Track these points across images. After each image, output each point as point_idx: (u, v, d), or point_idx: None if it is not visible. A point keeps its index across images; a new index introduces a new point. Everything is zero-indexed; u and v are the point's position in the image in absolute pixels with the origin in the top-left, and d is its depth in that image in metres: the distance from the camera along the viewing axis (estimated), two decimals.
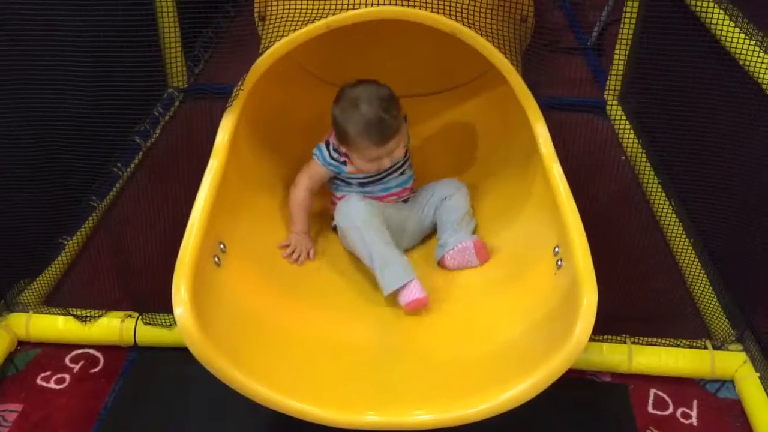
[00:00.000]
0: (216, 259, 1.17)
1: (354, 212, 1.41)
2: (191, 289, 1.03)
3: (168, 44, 2.25)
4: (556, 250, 1.21)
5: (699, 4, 1.60)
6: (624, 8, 2.15)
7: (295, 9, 1.29)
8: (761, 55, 1.35)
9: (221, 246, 1.20)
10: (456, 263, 1.45)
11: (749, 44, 1.39)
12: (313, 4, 1.28)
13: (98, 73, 1.76)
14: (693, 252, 1.64)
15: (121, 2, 1.84)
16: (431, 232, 1.58)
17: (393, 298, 1.35)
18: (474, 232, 1.51)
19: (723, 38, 1.49)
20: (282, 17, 1.28)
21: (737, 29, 1.45)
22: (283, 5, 1.31)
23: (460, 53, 1.45)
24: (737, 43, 1.42)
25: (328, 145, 1.50)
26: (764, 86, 1.33)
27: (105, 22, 1.78)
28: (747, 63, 1.39)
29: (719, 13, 1.53)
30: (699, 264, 1.61)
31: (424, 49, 1.66)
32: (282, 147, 1.63)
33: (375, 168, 1.46)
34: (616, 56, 2.26)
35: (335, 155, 1.49)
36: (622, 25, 2.18)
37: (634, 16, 2.13)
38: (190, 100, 2.37)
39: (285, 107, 1.67)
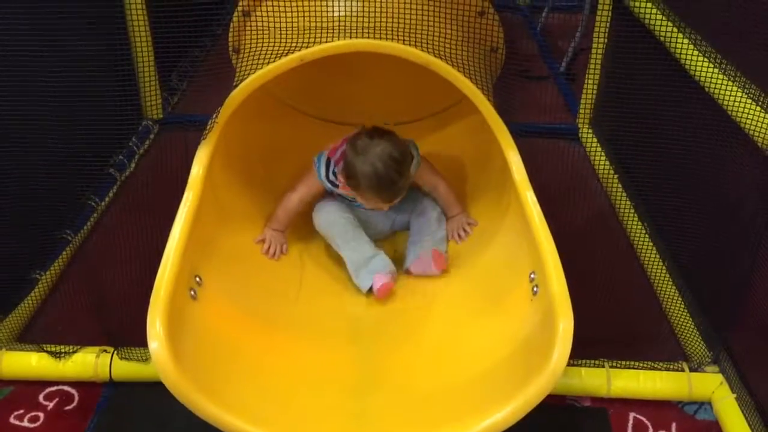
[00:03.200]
0: (192, 292, 1.17)
1: (324, 222, 1.54)
2: (166, 323, 1.02)
3: (143, 76, 2.26)
4: (532, 276, 1.22)
5: (663, 31, 1.65)
6: (593, 36, 2.20)
7: (269, 42, 1.30)
8: (724, 80, 1.39)
9: (197, 279, 1.20)
10: (418, 270, 1.54)
11: (712, 70, 1.43)
12: (287, 37, 1.30)
13: (73, 105, 1.75)
14: (667, 275, 1.66)
15: (96, 33, 1.84)
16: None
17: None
18: (443, 241, 1.58)
19: (687, 64, 1.53)
20: (256, 50, 1.30)
21: (700, 56, 1.49)
22: (257, 38, 1.32)
23: (435, 82, 1.48)
24: (701, 68, 1.46)
25: (329, 164, 1.54)
26: (728, 110, 1.37)
27: (80, 53, 1.78)
28: (710, 88, 1.42)
29: (683, 40, 1.57)
30: (674, 287, 1.63)
31: (399, 78, 1.68)
32: (260, 179, 1.64)
33: (372, 207, 1.52)
34: (586, 83, 2.30)
35: (332, 178, 1.54)
36: (591, 53, 2.22)
37: (603, 43, 2.18)
38: (166, 131, 2.37)
39: (263, 139, 1.69)
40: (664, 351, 1.50)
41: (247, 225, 1.54)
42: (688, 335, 1.52)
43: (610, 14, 2.13)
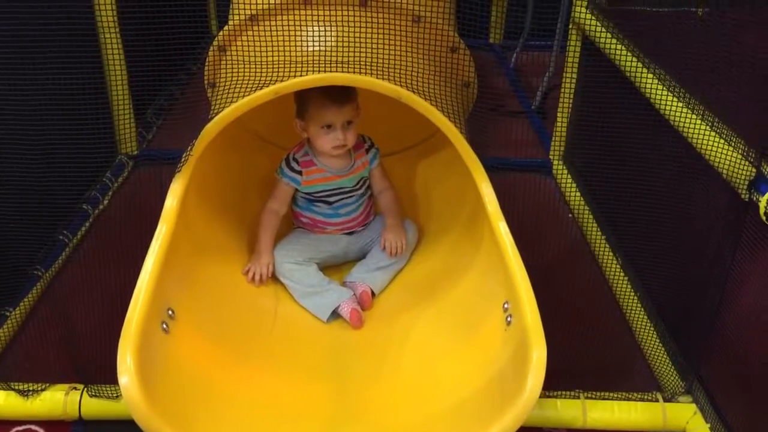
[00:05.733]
0: (164, 326, 1.15)
1: (281, 267, 1.57)
2: (137, 358, 1.01)
3: (118, 111, 2.27)
4: (506, 306, 1.23)
5: (630, 67, 1.70)
6: (564, 73, 2.26)
7: (244, 75, 1.32)
8: (689, 115, 1.43)
9: (169, 312, 1.18)
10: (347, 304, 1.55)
11: (678, 105, 1.47)
12: (262, 71, 1.32)
13: (47, 139, 1.75)
14: (640, 305, 1.68)
15: (71, 67, 1.85)
16: None
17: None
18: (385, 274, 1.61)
19: (653, 99, 1.57)
20: (231, 83, 1.31)
21: (666, 90, 1.54)
22: (233, 72, 1.34)
23: (409, 116, 1.51)
24: (667, 103, 1.51)
25: (288, 158, 1.60)
26: (694, 144, 1.40)
27: (55, 87, 1.78)
28: (677, 122, 1.46)
29: (648, 76, 1.62)
30: (646, 317, 1.64)
31: (374, 113, 1.70)
32: (236, 211, 1.64)
33: (329, 144, 1.52)
34: (558, 118, 2.35)
35: (293, 164, 1.59)
36: (562, 90, 2.28)
37: (574, 80, 2.23)
38: (140, 166, 2.36)
39: (239, 172, 1.69)
40: (638, 382, 1.51)
41: (222, 257, 1.53)
42: (661, 365, 1.53)
43: (579, 52, 2.20)
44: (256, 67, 1.33)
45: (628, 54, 1.76)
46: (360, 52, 1.29)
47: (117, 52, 2.19)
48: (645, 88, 1.63)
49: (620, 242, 1.88)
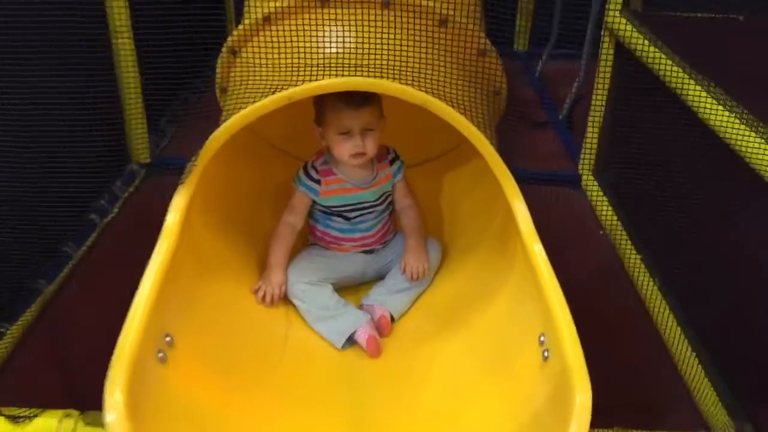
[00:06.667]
0: (160, 355, 1.04)
1: (294, 287, 1.45)
2: (128, 392, 0.90)
3: (131, 117, 2.19)
4: (542, 338, 1.10)
5: (670, 74, 1.58)
6: (595, 82, 2.15)
7: (256, 80, 1.21)
8: (737, 124, 1.31)
9: (167, 339, 1.07)
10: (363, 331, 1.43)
11: (724, 114, 1.35)
12: (273, 75, 1.21)
13: (53, 146, 1.67)
14: (682, 335, 1.55)
15: (84, 73, 1.78)
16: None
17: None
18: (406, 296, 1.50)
19: (697, 108, 1.45)
20: (242, 88, 1.21)
21: (711, 99, 1.42)
22: (245, 76, 1.24)
23: (432, 125, 1.40)
24: (712, 113, 1.39)
25: (306, 166, 1.50)
26: (744, 156, 1.28)
27: (67, 92, 1.71)
28: (723, 132, 1.34)
29: (691, 83, 1.50)
30: (689, 348, 1.51)
31: (394, 120, 1.59)
32: (246, 228, 1.53)
33: (347, 152, 1.42)
34: (589, 129, 2.24)
35: (312, 172, 1.49)
36: (593, 99, 2.16)
37: (606, 89, 2.12)
38: (152, 175, 2.27)
39: (249, 185, 1.59)
40: (682, 419, 1.38)
41: (230, 276, 1.42)
42: (707, 403, 1.39)
43: (611, 60, 2.09)
44: (268, 71, 1.22)
45: (669, 61, 1.64)
46: (382, 55, 1.18)
47: (130, 56, 2.12)
48: (689, 96, 1.51)
49: (658, 263, 1.75)
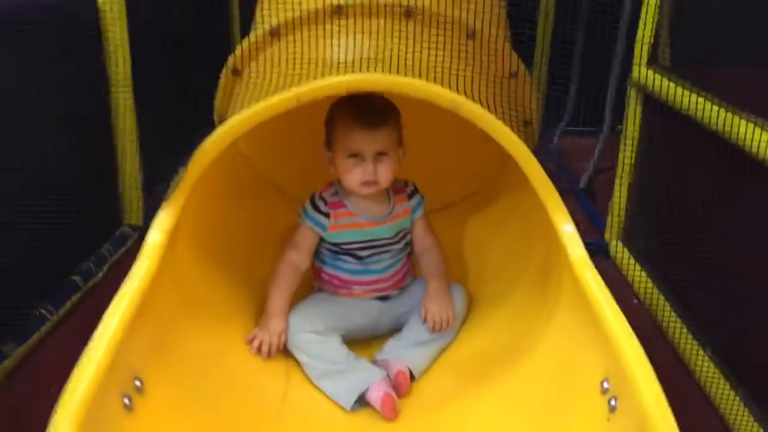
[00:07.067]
0: (126, 401, 0.83)
1: (295, 337, 1.26)
2: None
3: (125, 178, 2.07)
4: (605, 385, 0.89)
5: (712, 117, 1.46)
6: (622, 142, 2.03)
7: (258, 88, 1.07)
8: None
9: (137, 383, 0.87)
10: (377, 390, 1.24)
11: None
12: (280, 81, 1.07)
13: (38, 202, 1.54)
14: (742, 405, 1.33)
15: (79, 131, 1.68)
16: None
17: None
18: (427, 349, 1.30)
19: (745, 146, 1.31)
20: (241, 100, 1.07)
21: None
22: (248, 93, 1.10)
23: (451, 168, 1.25)
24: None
25: (313, 197, 1.35)
26: None
27: (60, 146, 1.60)
28: None
29: (741, 122, 1.37)
30: (753, 420, 1.29)
31: (410, 163, 1.44)
32: (243, 271, 1.36)
33: (356, 179, 1.27)
34: (616, 194, 2.10)
35: (320, 204, 1.34)
36: (620, 159, 2.04)
37: (634, 148, 2.00)
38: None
39: (249, 226, 1.43)
40: None
41: (220, 323, 1.22)
42: None
43: (639, 118, 1.98)
44: (276, 81, 1.08)
45: (709, 102, 1.52)
46: (405, 64, 1.05)
47: (129, 113, 2.02)
48: (737, 137, 1.37)
49: (706, 332, 1.55)
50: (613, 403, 0.86)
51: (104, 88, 2.00)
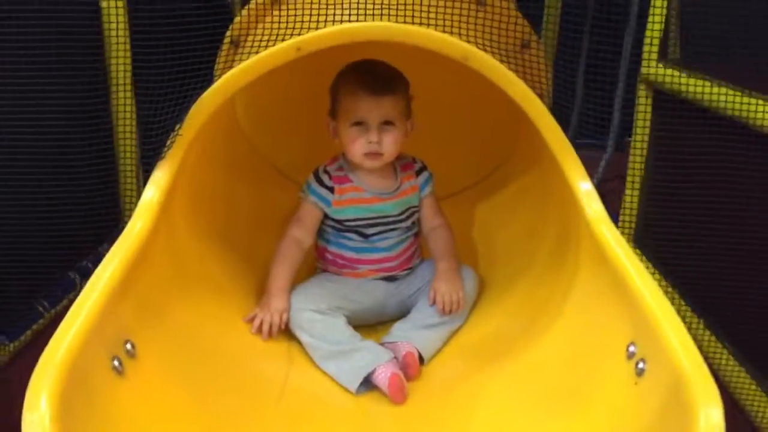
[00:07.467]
0: (116, 363, 0.77)
1: (298, 316, 1.19)
2: (59, 401, 0.63)
3: (125, 177, 2.03)
4: (631, 349, 0.81)
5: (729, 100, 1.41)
6: (632, 142, 1.99)
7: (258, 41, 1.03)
8: None
9: (127, 346, 0.80)
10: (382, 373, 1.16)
11: None
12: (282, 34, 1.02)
13: (37, 200, 1.51)
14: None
15: (77, 133, 1.65)
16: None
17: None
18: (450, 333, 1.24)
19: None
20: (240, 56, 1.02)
21: None
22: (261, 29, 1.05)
23: (460, 153, 1.20)
24: None
25: (318, 168, 1.30)
26: None
27: (53, 142, 1.57)
28: None
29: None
30: None
31: (418, 150, 1.39)
32: (245, 253, 1.31)
33: (360, 149, 1.21)
34: (627, 194, 2.03)
35: (324, 178, 1.28)
36: (631, 159, 1.99)
37: (645, 147, 1.95)
38: None
39: (251, 209, 1.38)
40: None
41: (218, 300, 1.15)
42: None
43: (650, 113, 1.94)
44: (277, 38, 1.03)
45: (724, 89, 1.48)
46: (413, 19, 1.01)
47: (129, 111, 1.99)
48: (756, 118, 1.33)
49: (727, 329, 1.49)
50: (641, 366, 0.78)
51: (104, 87, 1.99)
